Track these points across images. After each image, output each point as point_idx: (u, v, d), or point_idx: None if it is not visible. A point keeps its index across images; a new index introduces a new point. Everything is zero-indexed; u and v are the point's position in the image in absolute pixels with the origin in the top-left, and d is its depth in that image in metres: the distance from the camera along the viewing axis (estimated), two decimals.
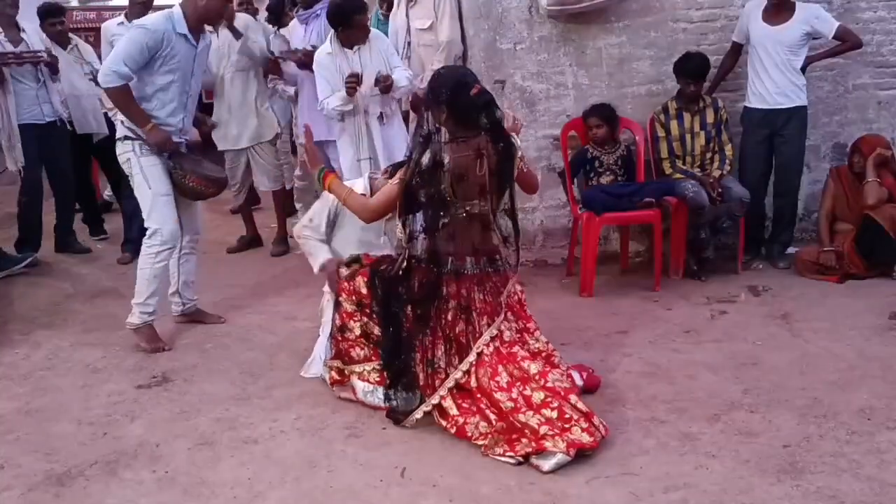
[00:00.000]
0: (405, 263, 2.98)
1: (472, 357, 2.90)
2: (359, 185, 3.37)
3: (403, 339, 2.98)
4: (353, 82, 4.27)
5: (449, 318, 2.93)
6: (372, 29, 4.47)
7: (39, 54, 5.21)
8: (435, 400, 2.91)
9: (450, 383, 2.91)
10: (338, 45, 4.38)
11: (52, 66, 5.32)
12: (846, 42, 4.59)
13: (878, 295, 4.18)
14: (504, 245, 3.05)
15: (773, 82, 4.56)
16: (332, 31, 4.40)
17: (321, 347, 3.39)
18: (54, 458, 2.84)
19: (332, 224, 3.49)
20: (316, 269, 3.42)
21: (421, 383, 2.95)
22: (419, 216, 2.96)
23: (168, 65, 3.66)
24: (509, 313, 3.02)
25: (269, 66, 5.19)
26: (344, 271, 3.17)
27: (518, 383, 2.84)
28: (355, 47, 4.37)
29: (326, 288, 3.40)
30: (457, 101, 2.86)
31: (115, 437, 2.99)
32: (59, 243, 5.69)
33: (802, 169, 4.82)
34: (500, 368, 2.87)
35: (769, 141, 4.67)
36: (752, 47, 4.61)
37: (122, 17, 5.35)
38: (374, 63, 4.37)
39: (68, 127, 5.51)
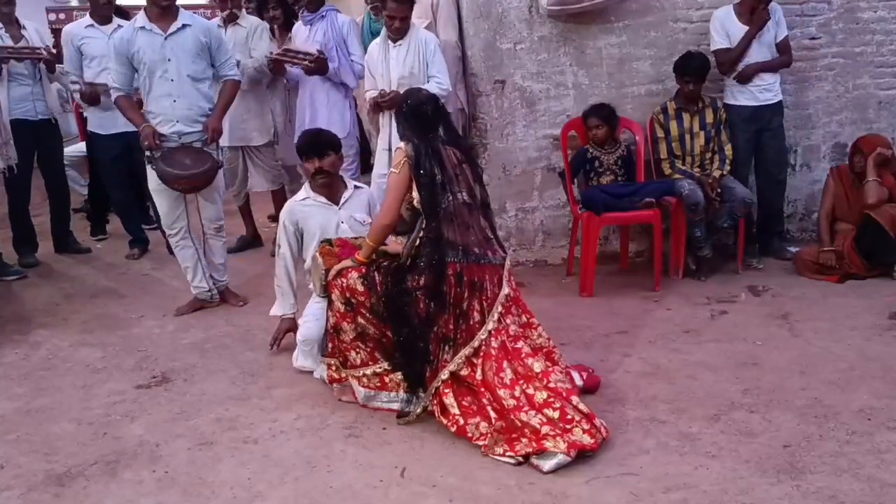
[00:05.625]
0: (413, 251, 3.01)
1: (483, 335, 2.90)
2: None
3: (417, 336, 2.97)
4: (376, 98, 4.35)
5: (466, 294, 2.93)
6: (422, 30, 4.43)
7: (38, 51, 5.19)
8: (437, 383, 2.91)
9: (453, 366, 2.90)
10: (384, 37, 4.40)
11: (50, 64, 5.32)
12: (783, 55, 4.70)
13: (878, 295, 4.18)
14: (491, 240, 3.09)
15: (761, 79, 4.65)
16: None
17: (303, 337, 3.47)
18: (54, 458, 2.85)
19: (300, 237, 3.60)
20: (273, 311, 3.73)
21: (435, 366, 2.96)
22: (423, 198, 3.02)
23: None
24: (513, 307, 3.03)
25: (273, 67, 5.16)
26: (332, 272, 3.16)
27: (521, 381, 2.85)
28: (398, 42, 4.34)
29: (311, 287, 3.45)
30: (411, 104, 3.10)
31: (115, 437, 2.99)
32: (59, 244, 5.69)
33: (788, 161, 4.95)
34: (505, 364, 2.88)
35: (756, 137, 4.74)
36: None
37: (87, 19, 5.26)
38: (407, 63, 4.32)
39: (59, 126, 5.51)
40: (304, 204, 3.60)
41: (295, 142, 5.11)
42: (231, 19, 5.18)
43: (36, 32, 5.34)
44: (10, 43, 5.12)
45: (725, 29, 4.62)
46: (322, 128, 4.00)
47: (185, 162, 4.02)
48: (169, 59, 4.02)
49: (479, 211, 3.07)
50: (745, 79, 4.62)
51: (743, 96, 4.68)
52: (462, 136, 3.24)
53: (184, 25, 4.06)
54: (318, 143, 3.55)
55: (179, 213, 4.22)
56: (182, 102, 4.07)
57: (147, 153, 4.02)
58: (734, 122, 4.71)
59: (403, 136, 3.12)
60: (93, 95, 5.13)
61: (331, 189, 3.58)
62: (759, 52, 4.61)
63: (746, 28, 4.57)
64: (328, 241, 3.36)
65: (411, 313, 2.97)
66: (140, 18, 4.04)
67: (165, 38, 4.02)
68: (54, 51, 5.40)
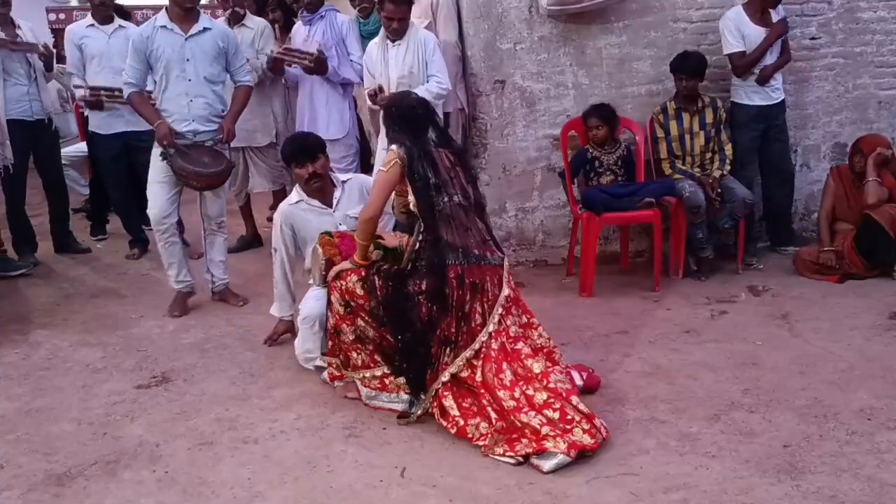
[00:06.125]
0: (413, 254, 3.01)
1: (483, 336, 2.90)
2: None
3: (418, 341, 2.96)
4: (373, 95, 4.35)
5: (467, 298, 2.92)
6: (421, 30, 4.43)
7: (34, 45, 5.20)
8: (438, 385, 2.92)
9: (454, 368, 2.90)
10: (383, 36, 4.40)
11: (48, 61, 5.32)
12: (785, 54, 4.74)
13: (878, 295, 4.18)
14: (489, 241, 3.09)
15: (773, 78, 4.69)
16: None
17: (303, 315, 3.45)
18: (54, 458, 2.84)
19: (293, 234, 3.59)
20: (272, 311, 3.78)
21: (435, 369, 2.95)
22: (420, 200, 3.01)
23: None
24: (513, 307, 3.03)
25: (272, 67, 5.14)
26: (331, 274, 3.17)
27: (521, 382, 2.84)
28: (397, 41, 4.34)
29: (310, 282, 3.49)
30: (400, 107, 3.13)
31: (115, 437, 2.99)
32: (59, 244, 5.68)
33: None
34: (505, 366, 2.88)
35: (763, 135, 4.76)
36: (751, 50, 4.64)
37: (89, 19, 5.28)
38: (406, 63, 4.32)
39: (54, 126, 5.50)
40: (299, 208, 3.58)
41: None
42: (235, 20, 5.18)
43: (31, 32, 5.32)
44: None
45: (741, 31, 4.60)
46: (306, 131, 4.03)
47: (203, 160, 4.08)
48: (188, 60, 4.09)
49: (474, 212, 3.06)
50: (764, 80, 4.65)
51: (758, 96, 4.71)
52: (454, 138, 3.23)
53: (204, 28, 4.13)
54: (309, 147, 3.52)
55: (172, 211, 4.24)
56: (198, 102, 4.14)
57: (162, 150, 4.07)
58: (743, 122, 4.72)
59: (395, 140, 3.10)
60: (96, 104, 5.16)
61: (323, 192, 3.56)
62: (770, 54, 4.65)
63: (761, 29, 4.57)
64: (328, 233, 3.36)
65: (413, 318, 2.96)
66: (161, 17, 4.11)
67: (186, 39, 4.08)
68: (51, 46, 5.39)
